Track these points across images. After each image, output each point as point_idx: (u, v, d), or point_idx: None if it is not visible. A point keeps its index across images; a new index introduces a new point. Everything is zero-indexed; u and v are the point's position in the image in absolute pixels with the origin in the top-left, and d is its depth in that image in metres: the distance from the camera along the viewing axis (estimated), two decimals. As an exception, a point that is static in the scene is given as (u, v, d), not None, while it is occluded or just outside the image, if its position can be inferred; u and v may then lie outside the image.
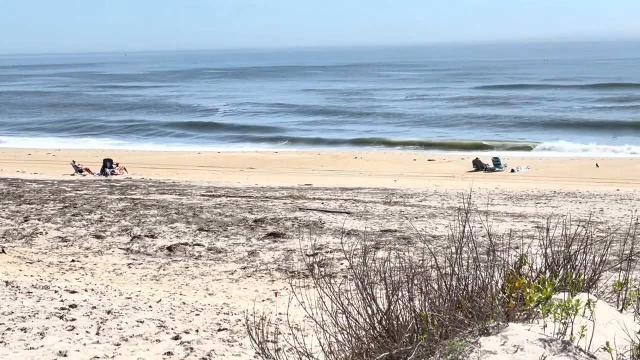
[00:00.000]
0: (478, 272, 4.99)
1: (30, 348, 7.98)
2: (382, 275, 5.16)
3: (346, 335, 5.04)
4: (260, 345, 5.20)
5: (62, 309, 9.50)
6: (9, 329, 8.54)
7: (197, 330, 9.08)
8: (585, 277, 5.24)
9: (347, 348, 5.03)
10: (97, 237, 15.06)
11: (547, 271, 5.20)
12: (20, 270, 12.20)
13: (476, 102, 78.59)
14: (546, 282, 4.71)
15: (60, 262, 13.01)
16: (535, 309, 4.53)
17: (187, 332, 8.99)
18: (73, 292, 10.55)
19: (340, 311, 5.10)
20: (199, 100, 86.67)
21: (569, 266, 5.23)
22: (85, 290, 10.73)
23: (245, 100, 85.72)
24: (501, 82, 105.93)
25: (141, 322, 9.32)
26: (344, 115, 69.13)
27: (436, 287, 5.03)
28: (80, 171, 35.08)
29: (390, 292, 4.99)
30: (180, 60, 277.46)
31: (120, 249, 14.13)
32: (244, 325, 8.91)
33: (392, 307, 4.92)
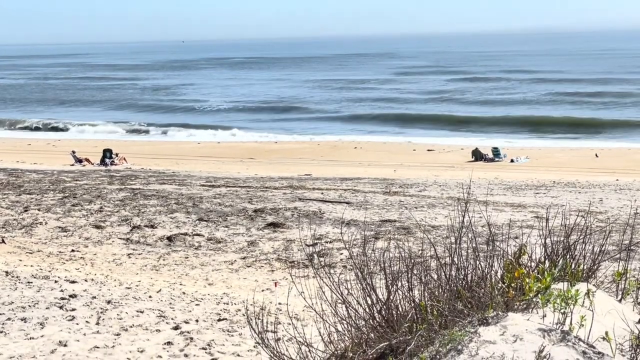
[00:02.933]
0: (477, 262, 4.99)
1: (30, 338, 7.99)
2: (382, 265, 5.16)
3: (346, 325, 5.04)
4: (260, 335, 5.21)
5: (62, 299, 9.51)
6: (9, 319, 8.56)
7: (197, 320, 9.10)
8: (585, 267, 5.24)
9: (346, 338, 5.04)
10: (97, 227, 15.06)
11: (547, 261, 5.20)
12: (20, 260, 12.21)
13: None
14: (545, 272, 4.71)
15: (60, 252, 13.02)
16: (534, 299, 4.54)
17: (187, 322, 9.01)
18: (73, 282, 10.57)
19: (339, 301, 5.11)
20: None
21: (568, 256, 5.23)
22: (85, 280, 10.74)
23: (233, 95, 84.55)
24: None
25: (141, 312, 9.34)
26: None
27: (435, 277, 5.04)
28: (80, 161, 35.05)
29: (389, 282, 4.99)
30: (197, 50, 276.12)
31: (120, 239, 14.14)
32: (243, 315, 8.93)
33: (391, 297, 4.93)
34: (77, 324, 8.69)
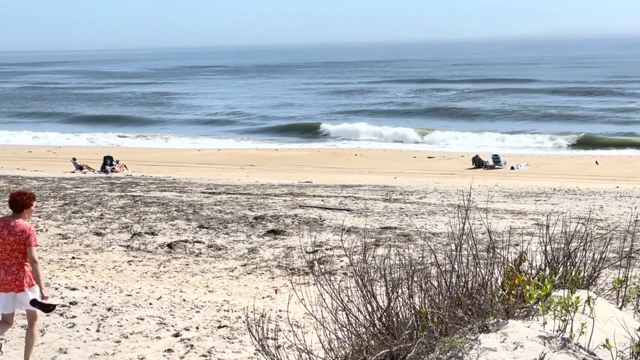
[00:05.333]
0: (478, 269, 4.99)
1: (31, 345, 7.97)
2: (382, 272, 5.17)
3: (346, 332, 5.04)
4: (260, 342, 5.21)
5: (63, 306, 9.51)
6: (9, 326, 8.54)
7: (197, 327, 9.10)
8: (585, 275, 5.24)
9: (347, 345, 5.03)
10: (98, 234, 15.07)
11: (547, 268, 5.21)
12: (21, 267, 12.19)
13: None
14: (546, 279, 4.72)
15: (60, 259, 13.02)
16: (535, 306, 4.54)
17: (187, 329, 9.01)
18: (73, 289, 10.57)
19: (340, 308, 5.11)
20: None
21: (568, 263, 5.24)
22: (86, 288, 10.74)
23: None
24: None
25: (141, 319, 9.34)
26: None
27: (436, 284, 5.04)
28: (81, 168, 35.04)
29: (390, 289, 5.00)
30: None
31: (121, 246, 14.14)
32: (244, 322, 8.93)
33: (392, 304, 4.93)
34: (78, 331, 8.70)
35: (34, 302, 7.33)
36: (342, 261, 12.38)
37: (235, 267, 12.52)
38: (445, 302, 4.84)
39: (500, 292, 4.77)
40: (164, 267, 12.64)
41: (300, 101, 79.05)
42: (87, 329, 8.85)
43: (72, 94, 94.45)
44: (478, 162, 37.71)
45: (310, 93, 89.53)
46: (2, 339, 8.13)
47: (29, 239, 7.41)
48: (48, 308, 7.47)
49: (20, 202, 7.53)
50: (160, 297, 10.48)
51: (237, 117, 67.27)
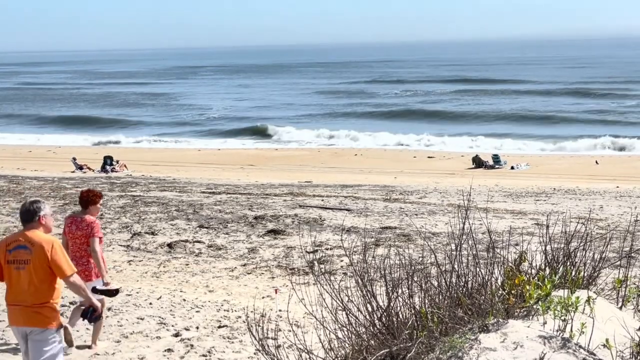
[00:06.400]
0: (478, 269, 5.00)
1: (31, 345, 7.97)
2: (382, 272, 5.17)
3: (346, 332, 5.05)
4: (260, 342, 5.21)
5: (62, 306, 9.50)
6: (9, 326, 8.55)
7: (197, 327, 9.10)
8: (585, 274, 5.25)
9: (347, 345, 5.04)
10: (97, 234, 15.06)
11: (547, 268, 5.21)
12: (21, 267, 12.20)
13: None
14: (546, 279, 4.72)
15: (60, 259, 13.01)
16: (535, 306, 4.54)
17: (187, 329, 9.01)
18: (73, 289, 10.55)
19: (340, 308, 5.11)
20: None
21: (568, 263, 5.24)
22: (86, 287, 10.74)
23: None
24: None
25: (141, 319, 9.35)
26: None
27: (436, 284, 5.05)
28: (81, 168, 35.03)
29: (390, 289, 5.00)
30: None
31: (121, 245, 14.14)
32: (244, 322, 8.93)
33: (392, 304, 4.93)
34: (78, 331, 8.69)
35: (95, 290, 7.86)
36: (342, 261, 12.38)
37: (235, 267, 12.52)
38: (445, 302, 4.85)
39: (500, 292, 4.77)
40: (164, 267, 12.64)
41: (284, 101, 78.67)
42: (87, 328, 8.84)
43: (71, 94, 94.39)
44: (478, 162, 37.71)
45: (307, 94, 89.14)
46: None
47: (92, 230, 8.13)
48: (111, 293, 8.18)
49: (86, 198, 8.31)
50: (160, 297, 10.49)
51: (201, 118, 66.69)
